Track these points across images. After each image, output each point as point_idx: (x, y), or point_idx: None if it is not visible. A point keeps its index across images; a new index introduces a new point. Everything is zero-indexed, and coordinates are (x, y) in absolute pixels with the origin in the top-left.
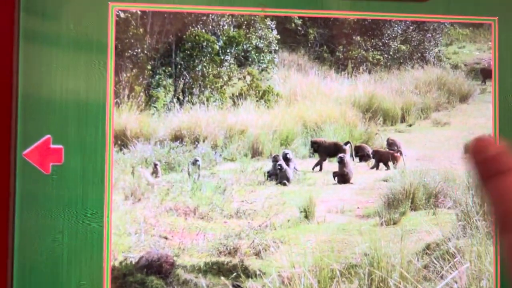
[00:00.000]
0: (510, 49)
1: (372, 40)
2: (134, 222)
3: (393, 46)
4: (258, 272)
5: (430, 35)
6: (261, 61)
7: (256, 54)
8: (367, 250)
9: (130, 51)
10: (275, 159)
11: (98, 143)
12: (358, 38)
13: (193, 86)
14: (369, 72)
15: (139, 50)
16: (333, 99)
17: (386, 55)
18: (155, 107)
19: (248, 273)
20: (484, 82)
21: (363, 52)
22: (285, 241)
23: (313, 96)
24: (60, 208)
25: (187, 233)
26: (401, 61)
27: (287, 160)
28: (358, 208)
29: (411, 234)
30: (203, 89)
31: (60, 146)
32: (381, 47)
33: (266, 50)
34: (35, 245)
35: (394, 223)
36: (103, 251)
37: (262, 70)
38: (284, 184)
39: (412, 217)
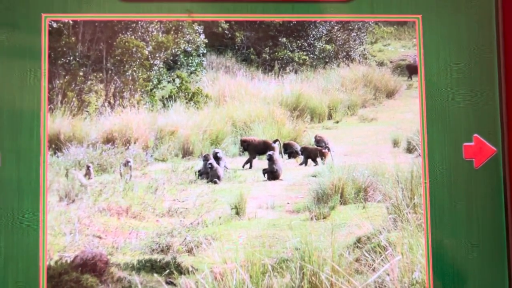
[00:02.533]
0: (435, 45)
1: (298, 41)
2: (68, 222)
3: (318, 46)
4: (190, 269)
5: (355, 34)
6: (190, 64)
7: (185, 58)
8: (298, 244)
9: (63, 59)
10: (205, 158)
11: (33, 148)
12: (284, 39)
13: (123, 90)
14: (296, 72)
15: (72, 57)
16: (261, 99)
17: (311, 55)
18: (87, 111)
19: (181, 270)
20: (410, 78)
21: (289, 53)
22: (217, 237)
23: (241, 96)
24: None
25: (120, 232)
26: (327, 60)
27: (217, 159)
28: (288, 203)
29: (342, 228)
30: (133, 92)
31: None
32: (307, 48)
33: (194, 54)
34: None
35: (324, 218)
36: (39, 251)
37: (191, 73)
38: (215, 182)
39: (342, 211)
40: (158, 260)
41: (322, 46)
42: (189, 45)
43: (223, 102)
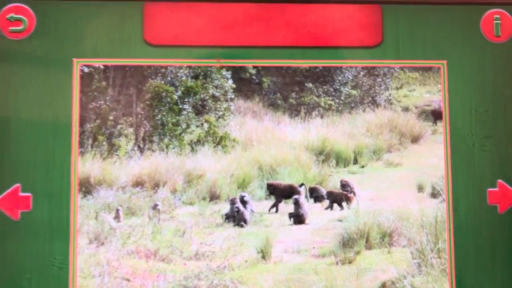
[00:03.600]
0: (459, 91)
1: (324, 86)
2: (97, 265)
3: (344, 92)
4: None
5: (380, 79)
6: (218, 108)
7: (213, 103)
8: None
9: (93, 103)
10: (232, 202)
11: (63, 190)
12: (310, 85)
13: (153, 134)
14: (322, 117)
15: (102, 102)
16: (287, 143)
17: (337, 100)
18: (117, 155)
19: None
20: (435, 123)
21: (315, 98)
22: (243, 281)
23: (268, 141)
24: (27, 253)
25: (148, 275)
26: (353, 105)
27: (244, 202)
28: (313, 248)
29: (367, 272)
30: (162, 136)
31: (28, 194)
32: (333, 93)
33: (222, 99)
34: None
35: (350, 262)
36: None
37: (219, 117)
38: (242, 226)
39: (367, 256)
40: None
41: (348, 91)
42: (217, 90)
43: (250, 146)
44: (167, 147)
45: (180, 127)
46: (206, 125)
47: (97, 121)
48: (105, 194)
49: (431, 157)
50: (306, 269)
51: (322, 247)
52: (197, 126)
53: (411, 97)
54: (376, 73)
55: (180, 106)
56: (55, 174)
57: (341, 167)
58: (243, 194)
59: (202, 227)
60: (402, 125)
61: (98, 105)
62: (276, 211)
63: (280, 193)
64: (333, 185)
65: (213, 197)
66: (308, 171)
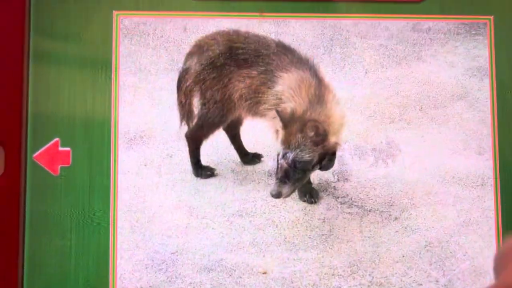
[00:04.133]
0: (506, 46)
1: (369, 41)
2: (138, 221)
3: (389, 46)
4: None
5: (425, 34)
6: (260, 63)
7: (255, 57)
8: (369, 247)
9: (134, 56)
10: (281, 157)
11: (104, 144)
12: (355, 39)
13: (194, 89)
14: (366, 72)
15: (143, 55)
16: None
17: (382, 55)
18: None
19: (250, 271)
20: (482, 79)
21: (360, 53)
22: (287, 239)
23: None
24: (68, 209)
25: (190, 231)
26: (397, 60)
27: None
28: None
29: (412, 231)
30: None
31: (68, 149)
32: (378, 48)
33: (264, 53)
34: (45, 245)
35: (395, 219)
36: (109, 250)
37: (261, 73)
38: (285, 182)
39: (412, 214)
40: (228, 260)
41: (393, 46)
42: (260, 45)
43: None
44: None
45: (222, 82)
46: (248, 80)
47: (137, 75)
48: (146, 149)
49: (477, 113)
50: (350, 226)
51: (365, 203)
52: (239, 81)
53: (457, 53)
54: (420, 28)
55: (223, 61)
56: (95, 128)
57: (386, 123)
58: (286, 151)
59: (245, 183)
60: (447, 82)
61: (138, 58)
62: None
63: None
64: (378, 141)
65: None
66: (353, 127)
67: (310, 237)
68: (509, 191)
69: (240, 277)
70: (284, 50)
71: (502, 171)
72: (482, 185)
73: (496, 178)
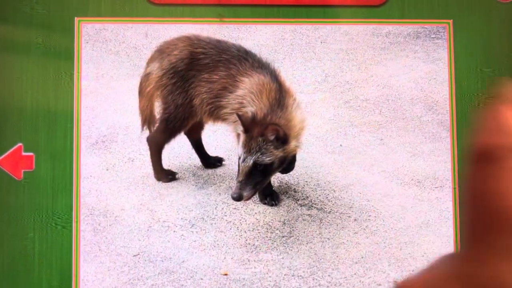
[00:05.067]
0: (465, 50)
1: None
2: (100, 225)
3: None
4: None
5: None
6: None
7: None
8: None
9: (96, 61)
10: None
11: (66, 149)
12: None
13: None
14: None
15: (104, 61)
16: None
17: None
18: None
19: None
20: None
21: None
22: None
23: None
24: (31, 212)
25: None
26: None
27: None
28: None
29: None
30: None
31: (31, 154)
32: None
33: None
34: (8, 248)
35: None
36: (72, 253)
37: None
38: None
39: None
40: (189, 262)
41: (353, 50)
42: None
43: None
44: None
45: (183, 87)
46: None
47: (99, 80)
48: (108, 153)
49: (436, 115)
50: (310, 228)
51: (325, 205)
52: (200, 86)
53: (416, 56)
54: (380, 32)
55: (184, 66)
56: (58, 133)
57: (346, 127)
58: (247, 154)
59: (206, 186)
60: (407, 85)
61: (100, 64)
62: None
63: None
64: (337, 144)
65: None
66: (313, 130)
67: (270, 239)
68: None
69: (202, 279)
70: (245, 54)
71: (460, 173)
72: (440, 187)
73: (454, 180)
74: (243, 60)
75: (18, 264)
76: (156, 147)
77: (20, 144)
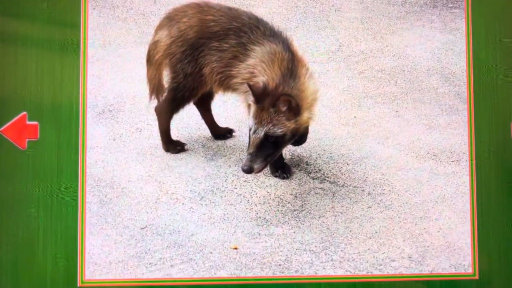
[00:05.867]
0: (484, 21)
1: None
2: (106, 197)
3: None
4: None
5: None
6: None
7: None
8: None
9: (101, 27)
10: None
11: (72, 118)
12: None
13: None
14: None
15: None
16: None
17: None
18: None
19: None
20: None
21: None
22: None
23: None
24: (35, 183)
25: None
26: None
27: None
28: None
29: None
30: None
31: (35, 123)
32: None
33: None
34: (12, 219)
35: None
36: (77, 225)
37: None
38: None
39: None
40: (198, 235)
41: (368, 19)
42: None
43: None
44: None
45: (192, 55)
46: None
47: (106, 48)
48: (115, 123)
49: (453, 87)
50: (323, 202)
51: (338, 179)
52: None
53: (433, 26)
54: (396, 1)
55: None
56: (64, 102)
57: (360, 98)
58: (258, 126)
59: (216, 158)
60: (423, 56)
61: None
62: None
63: None
64: (351, 116)
65: None
66: (326, 101)
67: (281, 213)
68: (484, 167)
69: (211, 253)
70: (256, 22)
71: (477, 147)
72: (457, 160)
73: (471, 154)
74: (254, 28)
75: (21, 236)
76: (164, 117)
77: (24, 112)
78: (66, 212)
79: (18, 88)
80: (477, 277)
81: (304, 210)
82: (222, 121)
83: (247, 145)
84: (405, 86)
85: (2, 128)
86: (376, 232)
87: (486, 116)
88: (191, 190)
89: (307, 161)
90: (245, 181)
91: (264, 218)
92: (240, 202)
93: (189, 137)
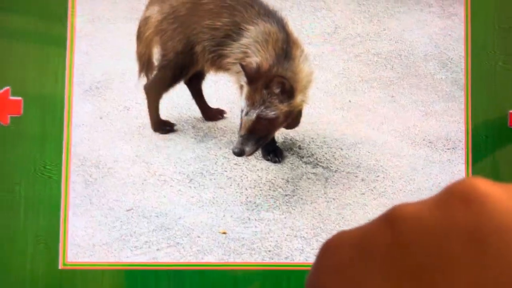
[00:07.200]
0: (482, 6)
1: None
2: (91, 176)
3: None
4: None
5: None
6: None
7: None
8: None
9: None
10: None
11: (57, 94)
12: None
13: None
14: None
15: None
16: None
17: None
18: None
19: None
20: None
21: None
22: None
23: None
24: (17, 160)
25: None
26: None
27: None
28: None
29: None
30: None
31: (19, 98)
32: None
33: None
34: None
35: None
36: (61, 205)
37: None
38: None
39: None
40: (186, 219)
41: (365, 1)
42: None
43: None
44: None
45: (184, 33)
46: (212, 32)
47: (95, 23)
48: (102, 101)
49: (450, 74)
50: (315, 187)
51: (331, 164)
52: (203, 33)
53: (431, 11)
54: None
55: (185, 11)
56: (49, 78)
57: (355, 82)
58: (250, 107)
59: (206, 140)
60: (420, 41)
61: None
62: None
63: None
64: (346, 100)
65: None
66: (321, 84)
67: (272, 197)
68: (480, 155)
69: (199, 237)
70: (251, 1)
71: (474, 135)
72: (453, 148)
73: (467, 142)
74: (248, 6)
75: (2, 216)
76: (153, 96)
77: (7, 87)
78: (49, 191)
79: (0, 61)
80: None
81: (296, 195)
82: (213, 102)
83: (239, 127)
84: (402, 71)
85: None
86: (369, 219)
87: (484, 104)
88: (179, 172)
89: (299, 145)
90: (236, 164)
91: (255, 203)
92: (230, 185)
93: (179, 117)
